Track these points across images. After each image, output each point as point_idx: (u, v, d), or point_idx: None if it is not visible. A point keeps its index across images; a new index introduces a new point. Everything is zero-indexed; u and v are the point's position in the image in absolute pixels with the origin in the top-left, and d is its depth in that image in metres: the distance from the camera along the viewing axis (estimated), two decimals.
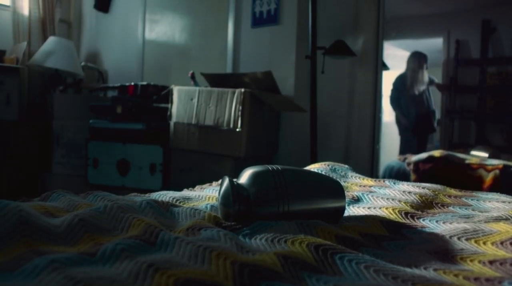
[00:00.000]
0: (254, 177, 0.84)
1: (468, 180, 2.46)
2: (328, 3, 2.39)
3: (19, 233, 0.60)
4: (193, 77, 2.48)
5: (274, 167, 0.87)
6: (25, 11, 3.31)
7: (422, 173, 2.60)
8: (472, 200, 1.13)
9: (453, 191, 1.22)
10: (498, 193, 1.20)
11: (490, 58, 4.04)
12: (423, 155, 2.70)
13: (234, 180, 0.91)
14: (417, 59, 3.81)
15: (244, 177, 0.86)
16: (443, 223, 0.88)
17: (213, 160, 2.09)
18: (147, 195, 1.11)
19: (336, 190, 0.88)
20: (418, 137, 3.77)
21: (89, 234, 0.67)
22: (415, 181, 2.61)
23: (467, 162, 2.54)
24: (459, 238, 0.78)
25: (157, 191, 2.24)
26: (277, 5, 2.45)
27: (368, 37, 2.27)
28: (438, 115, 4.91)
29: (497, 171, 2.35)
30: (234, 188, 0.83)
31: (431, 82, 4.01)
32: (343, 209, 0.88)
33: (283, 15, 2.44)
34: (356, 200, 1.09)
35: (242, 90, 2.03)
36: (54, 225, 0.66)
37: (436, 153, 2.66)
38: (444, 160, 2.58)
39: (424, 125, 3.77)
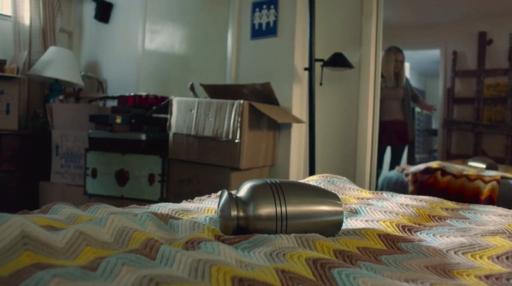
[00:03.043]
0: (253, 191, 0.85)
1: (465, 191, 2.48)
2: (327, 16, 2.42)
3: (21, 247, 0.61)
4: (192, 88, 2.50)
5: (273, 180, 0.89)
6: (26, 21, 3.34)
7: (420, 184, 2.61)
8: (469, 213, 1.14)
9: (450, 204, 1.23)
10: (495, 206, 1.21)
11: (486, 69, 4.09)
12: (421, 166, 2.72)
13: (233, 192, 0.92)
14: (393, 56, 3.54)
15: (243, 190, 0.87)
16: (440, 236, 0.89)
17: (212, 171, 2.10)
18: (146, 206, 1.12)
19: (334, 204, 0.89)
20: (392, 149, 3.61)
21: (90, 248, 0.67)
22: (413, 192, 2.63)
23: (464, 173, 2.55)
24: (455, 252, 0.79)
25: (156, 201, 2.25)
26: (276, 17, 2.47)
27: (366, 50, 2.29)
28: (433, 127, 4.88)
29: (494, 182, 2.37)
30: (233, 201, 0.84)
31: (415, 97, 3.88)
32: (341, 223, 0.89)
33: (282, 28, 2.46)
34: (354, 213, 1.10)
35: (241, 101, 2.04)
36: (55, 238, 0.67)
37: (434, 164, 2.68)
38: (441, 171, 2.59)
39: (396, 135, 3.49)
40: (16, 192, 2.81)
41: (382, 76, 2.61)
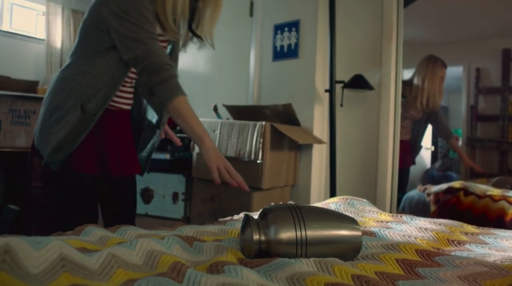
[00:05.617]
0: (274, 216, 0.89)
1: (489, 212, 2.43)
2: (347, 38, 2.46)
3: (60, 268, 0.66)
4: (215, 109, 2.56)
5: (294, 205, 0.92)
6: (58, 43, 3.50)
7: (442, 204, 2.58)
8: (489, 237, 1.15)
9: (470, 228, 1.24)
10: None
11: (511, 86, 4.03)
12: (443, 186, 2.68)
13: (255, 217, 0.96)
14: (439, 70, 3.02)
15: (265, 215, 0.91)
16: (458, 262, 0.91)
17: (234, 191, 2.14)
18: (172, 228, 1.16)
19: (353, 228, 0.92)
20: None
21: (121, 270, 0.72)
22: (435, 212, 2.60)
23: (488, 193, 2.51)
24: (474, 280, 0.80)
25: (179, 220, 2.30)
26: (297, 39, 2.53)
27: (386, 71, 2.32)
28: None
29: None
30: (255, 226, 0.88)
31: (448, 135, 3.38)
32: (359, 247, 0.92)
33: (303, 50, 2.51)
34: (373, 236, 1.12)
35: (263, 123, 2.09)
36: (90, 261, 0.72)
37: (456, 184, 2.64)
38: (464, 191, 2.55)
39: (407, 154, 3.05)
40: (47, 208, 2.91)
41: (403, 96, 2.60)
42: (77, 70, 1.29)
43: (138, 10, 1.21)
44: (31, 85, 3.06)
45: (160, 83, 1.19)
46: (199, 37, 1.45)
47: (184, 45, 1.46)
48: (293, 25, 2.56)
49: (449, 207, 2.54)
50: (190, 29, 1.42)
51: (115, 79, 1.31)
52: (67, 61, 1.35)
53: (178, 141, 1.73)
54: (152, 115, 1.57)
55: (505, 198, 2.43)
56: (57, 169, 1.29)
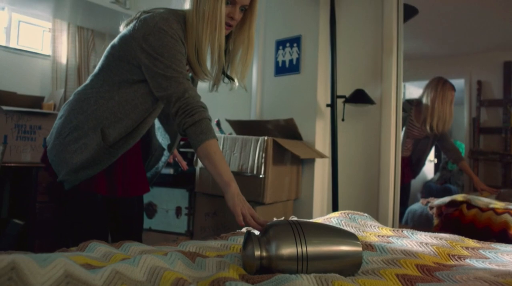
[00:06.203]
0: (275, 232, 0.90)
1: (493, 225, 2.43)
2: (348, 53, 2.49)
3: (65, 285, 0.68)
4: (218, 124, 2.59)
5: (295, 221, 0.94)
6: (63, 59, 3.55)
7: (445, 217, 2.58)
8: (490, 252, 1.15)
9: (471, 242, 1.25)
10: None
11: None
12: (446, 199, 2.68)
13: (257, 233, 0.97)
14: (449, 93, 3.00)
15: (266, 231, 0.92)
16: (458, 277, 0.91)
17: None
18: (175, 242, 1.18)
19: (353, 244, 0.93)
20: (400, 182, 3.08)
21: None
22: (438, 225, 2.59)
23: (491, 206, 2.51)
24: None
25: (183, 234, 2.31)
26: (299, 55, 2.56)
27: (387, 85, 2.34)
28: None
29: None
30: (257, 242, 0.89)
31: (458, 157, 3.34)
32: (360, 263, 0.93)
33: (305, 65, 2.54)
34: (374, 251, 1.13)
35: (265, 138, 2.11)
36: (94, 277, 0.74)
37: (459, 197, 2.64)
38: (467, 204, 2.55)
39: (407, 170, 3.07)
40: (50, 222, 2.92)
41: (404, 110, 2.61)
42: (101, 94, 1.30)
43: (172, 52, 1.22)
44: (37, 101, 3.10)
45: (193, 125, 1.19)
46: (231, 79, 1.44)
47: (215, 85, 1.44)
48: (295, 41, 2.60)
49: (452, 220, 2.54)
50: (222, 71, 1.40)
51: (138, 112, 1.32)
52: (88, 80, 1.36)
53: (185, 165, 1.75)
54: (162, 139, 1.59)
55: (508, 211, 2.43)
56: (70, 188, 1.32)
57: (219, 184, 1.16)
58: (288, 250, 0.87)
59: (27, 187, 2.91)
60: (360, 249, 0.93)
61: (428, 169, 3.68)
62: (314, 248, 0.88)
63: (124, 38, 1.29)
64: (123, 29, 1.34)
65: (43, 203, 2.95)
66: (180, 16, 1.29)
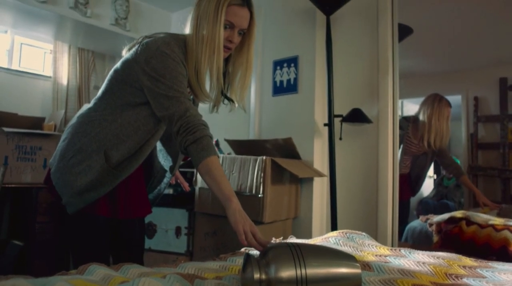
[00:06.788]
0: (275, 254, 0.91)
1: (492, 241, 2.42)
2: (344, 73, 2.53)
3: None
4: (217, 144, 2.61)
5: (294, 244, 0.95)
6: (64, 81, 3.59)
7: (445, 234, 2.58)
8: (487, 271, 1.16)
9: (468, 261, 1.26)
10: None
11: (509, 114, 4.07)
12: (445, 216, 2.68)
13: (256, 255, 0.99)
14: (446, 110, 3.03)
15: (265, 254, 0.93)
16: None
17: None
18: (174, 263, 1.18)
19: (352, 266, 0.94)
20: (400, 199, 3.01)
21: None
22: (437, 242, 2.59)
23: (490, 222, 2.51)
24: None
25: (182, 254, 2.31)
26: (296, 75, 2.60)
27: (384, 104, 2.37)
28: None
29: None
30: (256, 264, 0.90)
31: (459, 172, 3.33)
32: (359, 285, 0.94)
33: (302, 84, 2.58)
34: (371, 271, 1.14)
35: (264, 157, 2.13)
36: None
37: (458, 214, 2.64)
38: (466, 220, 2.55)
39: (406, 187, 3.08)
40: (50, 243, 2.92)
41: (401, 128, 2.64)
42: (104, 117, 1.33)
43: (174, 74, 1.25)
44: (38, 122, 3.13)
45: (194, 142, 1.21)
46: (230, 100, 1.47)
47: (215, 106, 1.47)
48: (292, 61, 2.64)
49: (452, 237, 2.53)
50: (222, 93, 1.44)
51: (140, 134, 1.35)
52: (92, 103, 1.39)
53: (187, 187, 1.77)
54: (164, 160, 1.62)
55: (507, 227, 2.42)
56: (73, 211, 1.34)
57: (220, 200, 1.16)
58: (287, 273, 0.88)
59: (27, 208, 2.92)
60: (359, 271, 0.94)
61: (425, 186, 3.68)
62: (314, 271, 0.89)
63: (126, 62, 1.32)
64: (125, 54, 1.37)
65: (43, 224, 2.95)
66: (181, 40, 1.33)
